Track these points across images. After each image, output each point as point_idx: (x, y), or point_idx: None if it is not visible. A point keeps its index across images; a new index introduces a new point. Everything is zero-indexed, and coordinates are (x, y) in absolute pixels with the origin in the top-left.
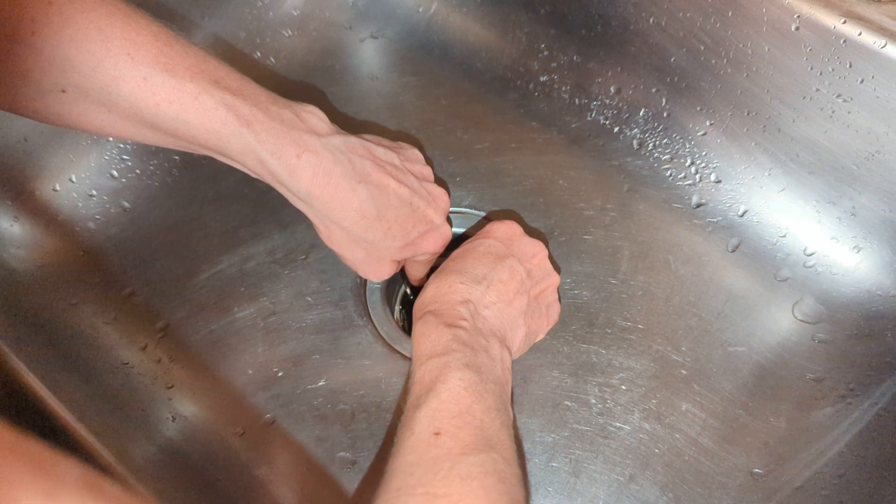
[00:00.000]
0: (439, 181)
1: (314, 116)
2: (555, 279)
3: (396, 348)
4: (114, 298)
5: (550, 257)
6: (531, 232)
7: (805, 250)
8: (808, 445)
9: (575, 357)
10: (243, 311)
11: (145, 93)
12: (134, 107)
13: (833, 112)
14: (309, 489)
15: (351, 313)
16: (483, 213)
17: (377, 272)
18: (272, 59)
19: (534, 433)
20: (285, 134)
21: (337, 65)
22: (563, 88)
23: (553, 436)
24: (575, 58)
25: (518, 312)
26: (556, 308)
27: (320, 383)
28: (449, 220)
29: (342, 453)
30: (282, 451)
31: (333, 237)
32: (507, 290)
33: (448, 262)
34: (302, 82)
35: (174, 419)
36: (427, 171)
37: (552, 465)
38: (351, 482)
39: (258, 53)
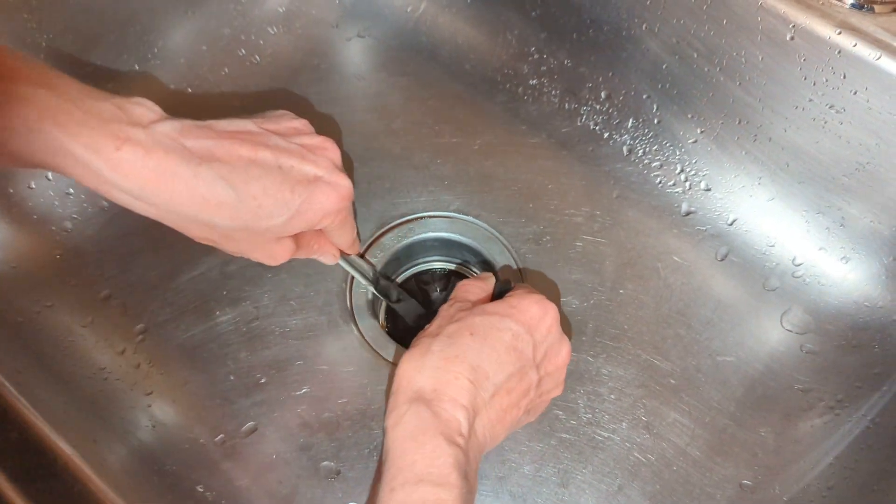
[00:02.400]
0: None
1: (140, 107)
2: (558, 392)
3: (382, 354)
4: (91, 301)
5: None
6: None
7: (794, 260)
8: (797, 457)
9: None
10: (225, 316)
11: None
12: None
13: (825, 122)
14: (291, 499)
15: (336, 318)
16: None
17: (271, 256)
18: (257, 57)
19: (522, 442)
20: (101, 127)
21: (323, 64)
22: (553, 92)
23: (541, 445)
24: (566, 62)
25: (506, 428)
26: (538, 412)
27: (304, 390)
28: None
29: (326, 462)
30: (264, 460)
31: (199, 234)
32: (507, 402)
33: (464, 334)
34: (286, 81)
35: (154, 426)
36: (298, 125)
37: (540, 476)
38: (335, 492)
39: (242, 51)
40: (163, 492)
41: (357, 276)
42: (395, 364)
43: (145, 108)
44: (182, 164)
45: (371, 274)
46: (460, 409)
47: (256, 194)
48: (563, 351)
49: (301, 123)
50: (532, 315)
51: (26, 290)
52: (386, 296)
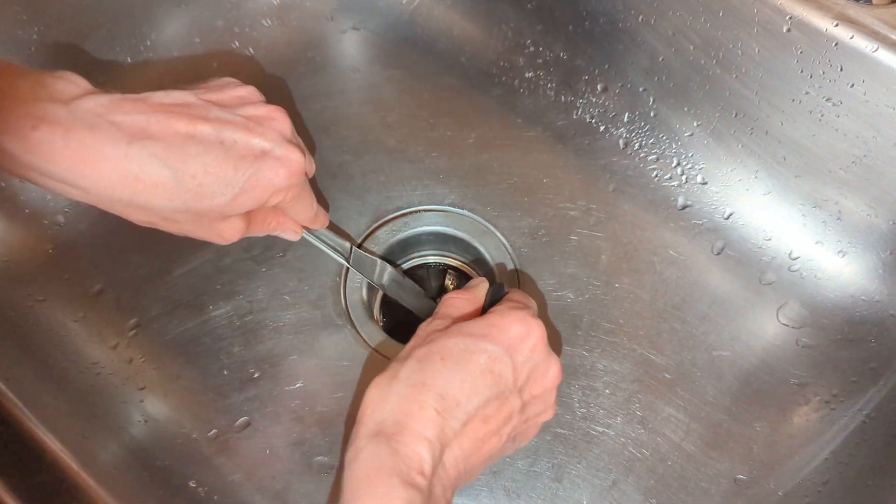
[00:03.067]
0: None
1: (62, 80)
2: (548, 416)
3: (377, 349)
4: (83, 295)
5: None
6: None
7: (790, 254)
8: (793, 452)
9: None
10: (219, 310)
11: None
12: None
13: (822, 115)
14: (284, 494)
15: (330, 313)
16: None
17: (219, 236)
18: (250, 50)
19: None
20: (17, 107)
21: (318, 56)
22: (549, 85)
23: (535, 440)
24: (561, 54)
25: (483, 459)
26: (530, 435)
27: (297, 385)
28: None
29: (320, 457)
30: (256, 455)
31: (138, 217)
32: (483, 432)
33: (434, 359)
34: (280, 74)
35: (146, 421)
36: (244, 92)
37: (534, 470)
38: (329, 487)
39: (236, 43)
40: (154, 487)
41: (326, 249)
42: (390, 359)
43: (67, 82)
44: (109, 142)
45: (345, 248)
46: (423, 442)
47: (196, 173)
48: (550, 372)
49: (247, 91)
50: (513, 335)
51: (18, 285)
52: (362, 271)
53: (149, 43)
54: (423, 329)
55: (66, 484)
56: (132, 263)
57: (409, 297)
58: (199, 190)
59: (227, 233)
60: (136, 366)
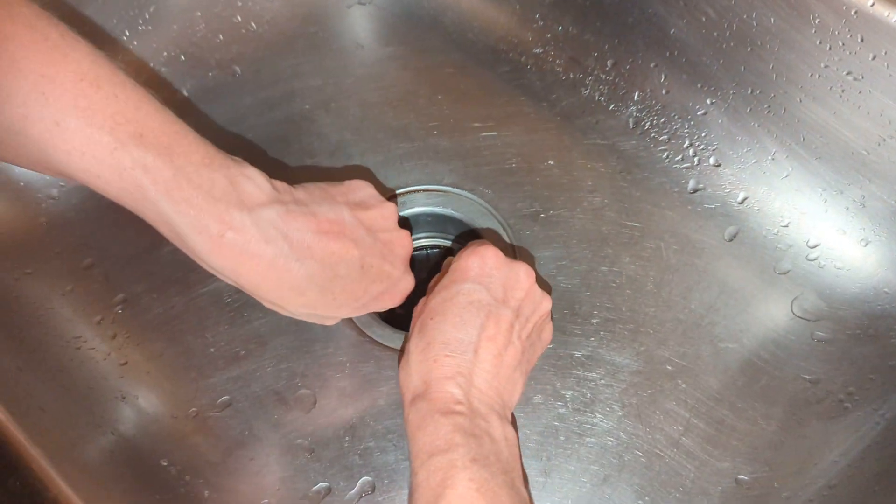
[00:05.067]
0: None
1: (251, 183)
2: (546, 305)
3: (366, 332)
4: (72, 269)
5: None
6: (510, 254)
7: (808, 242)
8: (800, 452)
9: (553, 347)
10: (207, 287)
11: (56, 139)
12: (43, 153)
13: (843, 91)
14: (260, 477)
15: None
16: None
17: (325, 323)
18: (253, 24)
19: None
20: (209, 207)
21: (321, 31)
22: (557, 62)
23: (524, 431)
24: (570, 29)
25: (512, 367)
26: (548, 330)
27: (282, 365)
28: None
29: (300, 440)
30: (235, 435)
31: (269, 306)
32: (496, 347)
33: (427, 322)
34: (283, 49)
35: (124, 397)
36: (385, 213)
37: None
38: (307, 471)
39: (238, 17)
40: (121, 465)
41: None
42: (378, 343)
43: (255, 186)
44: (279, 257)
45: None
46: (448, 382)
47: (336, 292)
48: (520, 275)
49: (388, 210)
50: (472, 266)
51: (8, 256)
52: None
53: (147, 16)
54: (416, 309)
55: (17, 457)
56: (123, 239)
57: None
58: (332, 302)
59: (330, 323)
60: (119, 341)
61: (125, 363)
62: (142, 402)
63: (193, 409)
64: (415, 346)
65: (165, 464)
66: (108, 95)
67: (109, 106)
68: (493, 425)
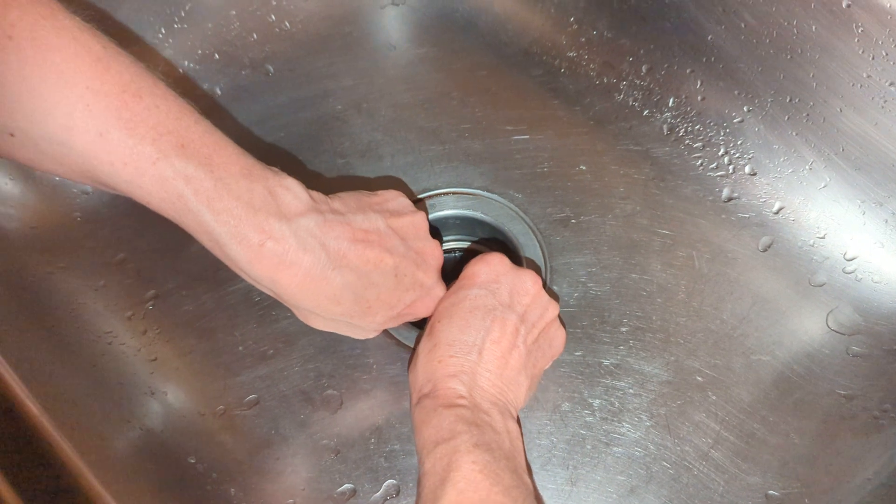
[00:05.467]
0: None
1: (289, 193)
2: (553, 312)
3: (392, 334)
4: (105, 264)
5: (545, 284)
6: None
7: (845, 254)
8: (833, 468)
9: (581, 355)
10: (236, 286)
11: (99, 150)
12: (87, 164)
13: (885, 102)
14: (284, 477)
15: None
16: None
17: (362, 336)
18: (287, 24)
19: (530, 434)
20: (249, 217)
21: (355, 31)
22: (591, 66)
23: (551, 438)
24: (605, 33)
25: (516, 370)
26: (559, 338)
27: (310, 366)
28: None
29: (325, 441)
30: (262, 434)
31: (304, 317)
32: (501, 350)
33: (435, 326)
34: (317, 49)
35: (153, 393)
36: (417, 222)
37: (547, 470)
38: (332, 472)
39: (272, 16)
40: (148, 460)
41: None
42: (405, 345)
43: (293, 196)
44: (316, 265)
45: None
46: (451, 379)
47: (371, 300)
48: (525, 282)
49: (420, 219)
50: (478, 272)
51: (43, 250)
52: None
53: (183, 14)
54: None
55: (51, 451)
56: (155, 234)
57: None
58: (368, 311)
59: (370, 335)
60: (149, 337)
61: (155, 359)
62: (170, 398)
63: (221, 406)
64: (422, 347)
65: (193, 461)
66: (149, 106)
67: (151, 117)
68: (495, 419)
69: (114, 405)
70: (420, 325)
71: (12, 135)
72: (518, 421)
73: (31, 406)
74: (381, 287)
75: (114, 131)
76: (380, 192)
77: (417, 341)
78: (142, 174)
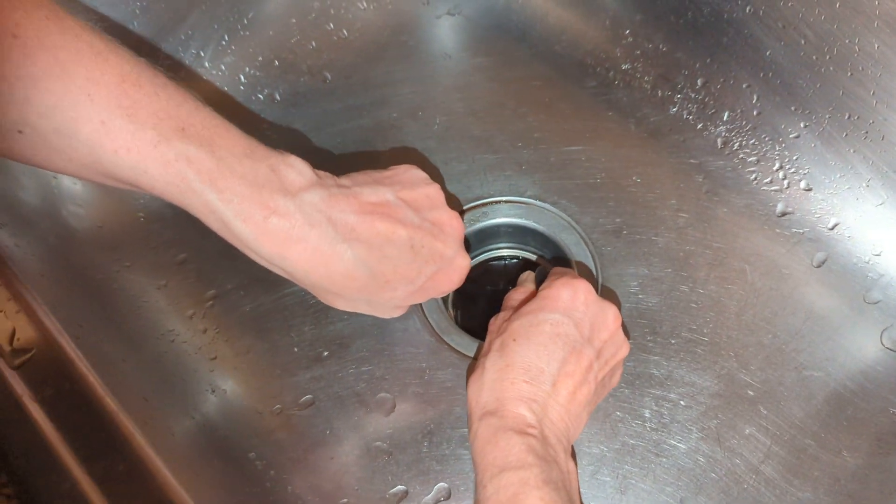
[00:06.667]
0: (449, 199)
1: (293, 170)
2: (624, 351)
3: (445, 339)
4: (167, 264)
5: (596, 290)
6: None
7: None
8: (883, 487)
9: (632, 365)
10: (293, 288)
11: (103, 138)
12: (93, 153)
13: None
14: (339, 477)
15: None
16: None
17: (387, 315)
18: (344, 32)
19: (581, 442)
20: (253, 194)
21: (410, 41)
22: (646, 78)
23: (601, 447)
24: (661, 46)
25: (582, 406)
26: (618, 375)
27: (364, 368)
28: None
29: (378, 443)
30: (317, 434)
31: (325, 298)
32: (573, 384)
33: (508, 344)
34: (373, 57)
35: (213, 391)
36: (431, 193)
37: (597, 479)
38: (385, 474)
39: (331, 25)
40: (213, 455)
41: None
42: (456, 351)
43: (297, 173)
44: (323, 239)
45: None
46: (523, 405)
47: (386, 272)
48: (608, 316)
49: (434, 190)
50: (564, 299)
51: (107, 249)
52: None
53: (245, 21)
54: (493, 324)
55: (125, 443)
56: (216, 236)
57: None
58: (386, 286)
59: (395, 314)
60: (209, 336)
61: (214, 357)
62: (230, 395)
63: (278, 405)
64: (492, 363)
65: (253, 457)
66: (149, 94)
67: (151, 104)
68: (560, 455)
69: (177, 400)
70: (481, 335)
71: (21, 132)
72: (574, 457)
73: (109, 401)
74: (396, 260)
75: (115, 119)
76: (392, 167)
77: (481, 353)
78: (144, 158)
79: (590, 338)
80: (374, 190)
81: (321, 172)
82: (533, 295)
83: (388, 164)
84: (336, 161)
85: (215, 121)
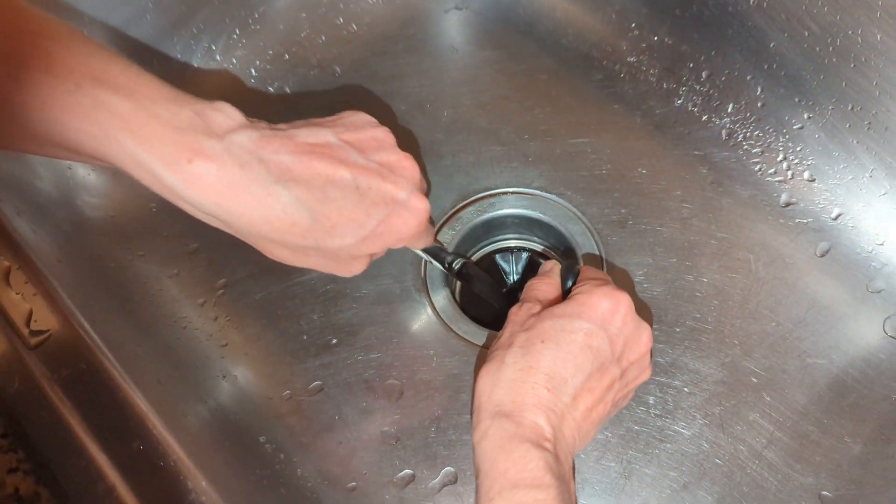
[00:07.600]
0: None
1: (220, 113)
2: (645, 375)
3: (452, 327)
4: (179, 253)
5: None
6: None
7: None
8: (886, 473)
9: None
10: (303, 277)
11: (23, 95)
12: (19, 116)
13: None
14: (348, 460)
15: (409, 287)
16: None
17: (346, 271)
18: (354, 26)
19: None
20: (175, 137)
21: (418, 34)
22: (651, 71)
23: (606, 433)
24: (666, 39)
25: (594, 424)
26: (630, 397)
27: (372, 355)
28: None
29: (386, 428)
30: (326, 420)
31: (270, 251)
32: (591, 400)
33: (535, 342)
34: (381, 50)
35: (224, 377)
36: (378, 135)
37: (602, 464)
38: (392, 458)
39: (340, 19)
40: (224, 438)
41: (428, 258)
42: (463, 338)
43: (224, 115)
44: (256, 181)
45: (448, 259)
46: (542, 416)
47: (331, 215)
48: (643, 338)
49: (382, 133)
50: (604, 310)
51: (121, 239)
52: (460, 277)
53: (257, 15)
54: (517, 314)
55: (140, 423)
56: None
57: (488, 296)
58: (332, 231)
59: (354, 268)
60: (220, 324)
61: (225, 344)
62: (241, 381)
63: (287, 391)
64: (514, 360)
65: (263, 440)
66: (63, 48)
67: (67, 57)
68: (568, 473)
69: (190, 386)
70: (496, 326)
71: None
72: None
73: (123, 382)
74: (340, 202)
75: (32, 75)
76: (337, 113)
77: (499, 344)
78: (63, 110)
79: (619, 357)
80: (311, 131)
81: (255, 119)
82: (557, 287)
83: None
84: None
85: (139, 73)
